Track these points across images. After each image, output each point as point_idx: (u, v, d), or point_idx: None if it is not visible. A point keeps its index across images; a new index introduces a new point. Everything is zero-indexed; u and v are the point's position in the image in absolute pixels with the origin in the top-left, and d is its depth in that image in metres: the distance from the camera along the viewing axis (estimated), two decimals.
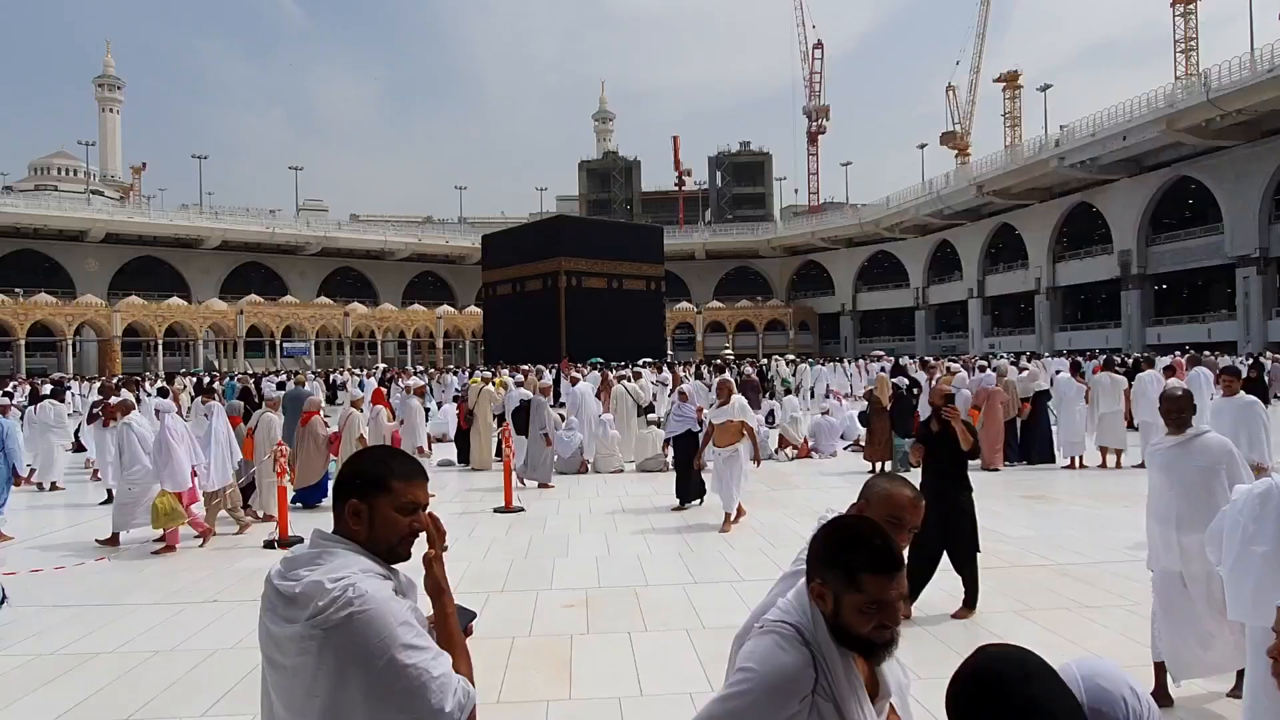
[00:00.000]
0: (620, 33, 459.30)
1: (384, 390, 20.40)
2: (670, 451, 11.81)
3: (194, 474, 8.63)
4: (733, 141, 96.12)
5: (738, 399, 9.10)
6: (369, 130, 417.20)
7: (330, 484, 9.95)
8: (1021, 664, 1.52)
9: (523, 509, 10.31)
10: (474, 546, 8.38)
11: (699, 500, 10.33)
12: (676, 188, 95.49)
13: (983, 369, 17.88)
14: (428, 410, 18.23)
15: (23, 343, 51.56)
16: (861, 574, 1.64)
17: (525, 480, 12.12)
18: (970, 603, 5.89)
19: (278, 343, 61.04)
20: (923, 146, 75.14)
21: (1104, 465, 12.86)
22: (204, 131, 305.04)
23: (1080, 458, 12.89)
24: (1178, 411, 4.37)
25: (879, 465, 12.82)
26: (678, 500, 10.26)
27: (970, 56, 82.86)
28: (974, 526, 6.04)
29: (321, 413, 11.08)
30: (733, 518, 9.02)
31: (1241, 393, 7.31)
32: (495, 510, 10.25)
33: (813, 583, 1.72)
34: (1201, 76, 42.68)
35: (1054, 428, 13.61)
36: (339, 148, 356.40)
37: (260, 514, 9.89)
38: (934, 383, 13.00)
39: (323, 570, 1.65)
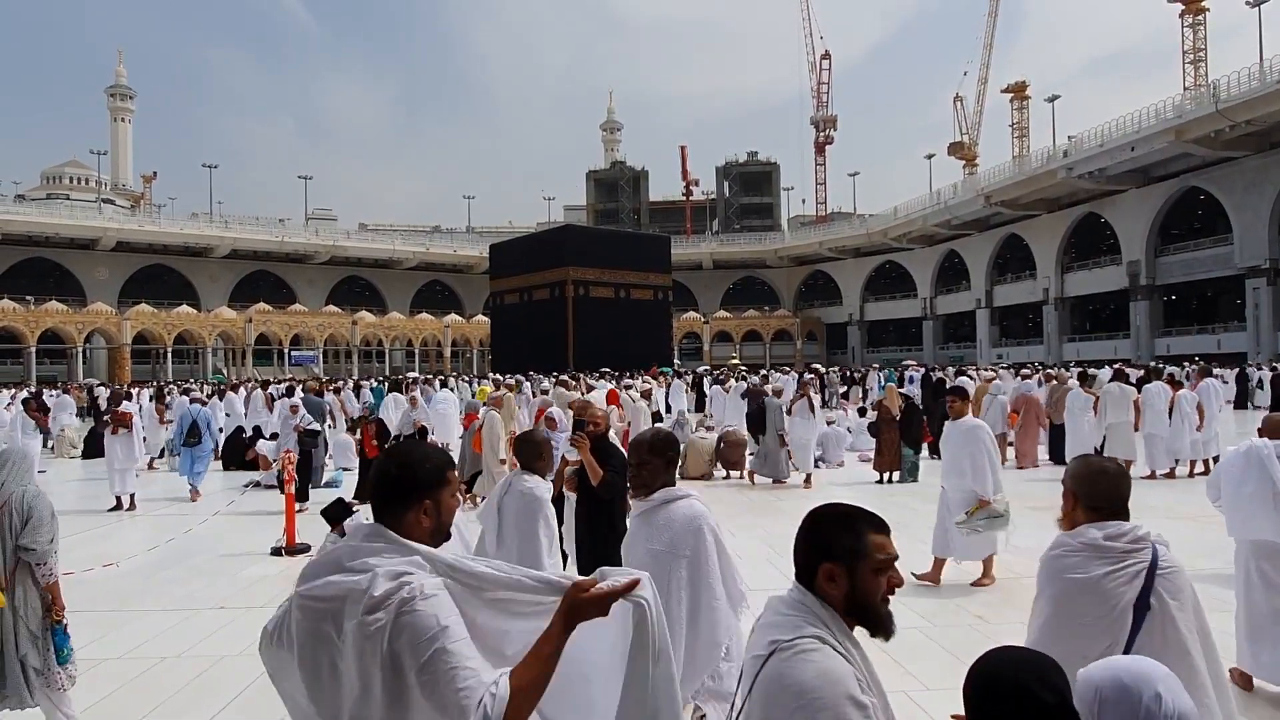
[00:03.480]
0: (629, 43, 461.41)
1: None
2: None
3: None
4: (740, 151, 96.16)
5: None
6: (378, 139, 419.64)
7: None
8: (1032, 665, 1.58)
9: None
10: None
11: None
12: (684, 197, 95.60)
13: (1027, 376, 18.09)
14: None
15: (33, 350, 51.85)
16: (867, 536, 1.76)
17: (756, 478, 12.86)
18: None
19: (286, 351, 61.26)
20: (930, 157, 75.32)
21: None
22: (214, 140, 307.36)
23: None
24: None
25: (887, 475, 12.80)
26: None
27: (978, 67, 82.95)
28: None
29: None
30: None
31: (969, 416, 7.00)
32: None
33: (820, 570, 1.76)
34: (1210, 87, 42.60)
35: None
36: (348, 157, 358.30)
37: (479, 500, 10.65)
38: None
39: (386, 565, 1.70)
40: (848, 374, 34.82)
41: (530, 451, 4.40)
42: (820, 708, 1.57)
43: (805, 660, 1.63)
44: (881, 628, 1.75)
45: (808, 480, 12.67)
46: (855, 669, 1.66)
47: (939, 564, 7.08)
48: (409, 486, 1.86)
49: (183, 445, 12.88)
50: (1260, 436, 4.76)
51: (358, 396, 24.92)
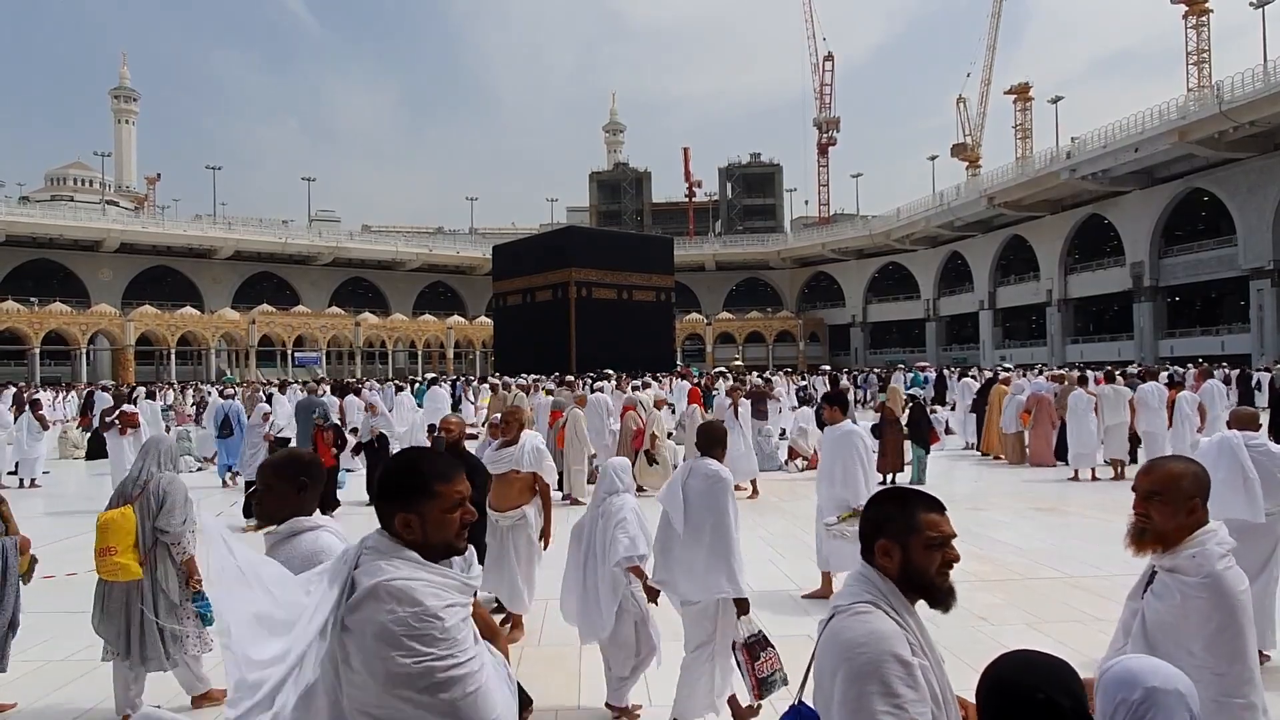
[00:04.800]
0: (633, 45, 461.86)
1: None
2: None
3: None
4: (743, 153, 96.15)
5: (530, 438, 5.96)
6: (382, 141, 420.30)
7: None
8: (1049, 670, 1.60)
9: None
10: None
11: None
12: (687, 199, 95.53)
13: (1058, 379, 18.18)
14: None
15: (37, 351, 51.97)
16: (919, 515, 1.89)
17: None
18: None
19: (289, 352, 61.34)
20: (933, 158, 75.26)
21: (1116, 476, 12.94)
22: (218, 142, 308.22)
23: (1093, 470, 12.99)
24: None
25: (890, 477, 12.78)
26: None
27: (981, 68, 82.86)
28: None
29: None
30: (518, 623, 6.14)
31: (846, 422, 6.82)
32: None
33: (876, 546, 1.90)
34: (1214, 88, 42.51)
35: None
36: (352, 158, 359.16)
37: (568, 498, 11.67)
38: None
39: (383, 573, 1.74)
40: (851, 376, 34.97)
41: (710, 439, 4.57)
42: (865, 660, 1.70)
43: (858, 619, 1.79)
44: (939, 600, 1.89)
45: (753, 489, 12.24)
46: (908, 633, 1.80)
47: (827, 578, 6.93)
48: (381, 494, 1.89)
49: (217, 438, 14.33)
50: (1229, 429, 5.40)
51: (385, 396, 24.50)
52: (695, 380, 25.73)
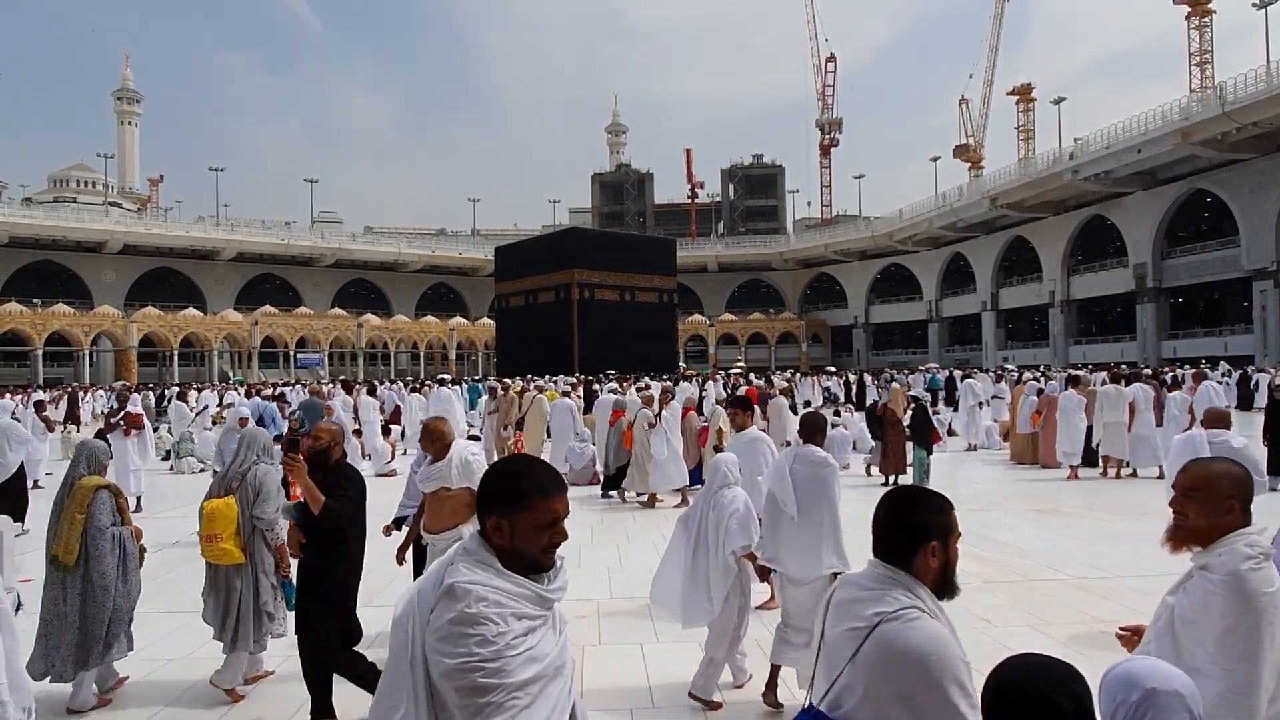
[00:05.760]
0: (635, 45, 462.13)
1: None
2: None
3: None
4: (745, 154, 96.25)
5: (459, 449, 4.90)
6: (384, 142, 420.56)
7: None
8: (1053, 673, 1.60)
9: None
10: None
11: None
12: (689, 200, 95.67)
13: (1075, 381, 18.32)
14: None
15: (40, 352, 52.07)
16: (952, 514, 2.01)
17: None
18: None
19: (292, 353, 61.41)
20: (936, 159, 75.26)
21: (1104, 475, 13.20)
22: (221, 144, 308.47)
23: (1074, 468, 13.28)
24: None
25: (892, 478, 12.78)
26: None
27: (983, 70, 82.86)
28: None
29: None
30: None
31: (751, 428, 6.56)
32: None
33: (925, 548, 1.95)
34: (1217, 89, 42.46)
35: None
36: (354, 159, 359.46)
37: (629, 495, 11.76)
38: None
39: (459, 574, 1.75)
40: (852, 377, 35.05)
41: (813, 428, 4.99)
42: (941, 668, 1.74)
43: (915, 627, 1.81)
44: (954, 591, 1.99)
45: (650, 500, 11.49)
46: (951, 631, 1.87)
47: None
48: (482, 497, 1.88)
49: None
50: (1204, 428, 6.46)
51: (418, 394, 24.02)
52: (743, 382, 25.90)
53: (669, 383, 19.44)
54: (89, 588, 4.65)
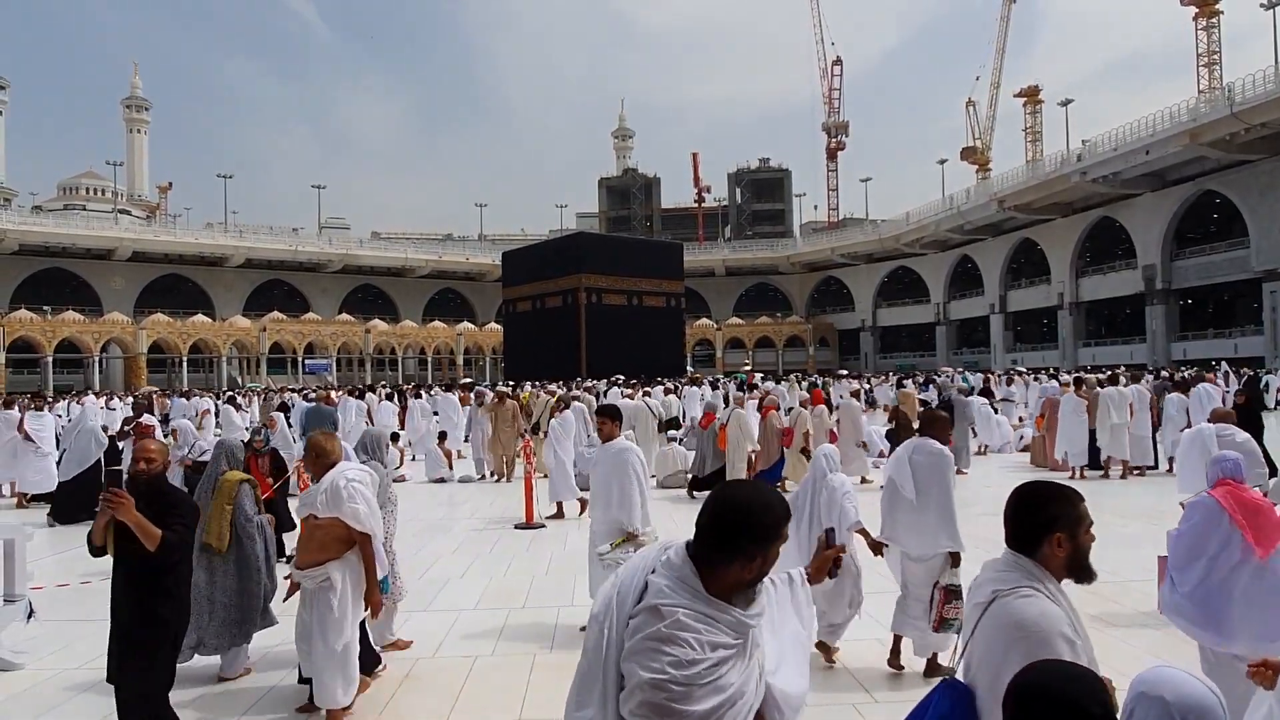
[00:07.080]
0: (642, 50, 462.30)
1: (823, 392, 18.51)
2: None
3: None
4: (752, 158, 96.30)
5: (335, 473, 4.38)
6: (392, 148, 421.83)
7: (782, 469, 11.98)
8: (1079, 679, 1.59)
9: (544, 525, 10.32)
10: (495, 563, 8.38)
11: None
12: (696, 204, 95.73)
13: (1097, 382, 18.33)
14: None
15: (50, 359, 52.35)
16: (1080, 505, 2.13)
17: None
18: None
19: (300, 359, 61.60)
20: (943, 162, 75.15)
21: (1105, 476, 13.24)
22: (229, 151, 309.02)
23: (1081, 469, 13.28)
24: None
25: None
26: None
27: (990, 72, 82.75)
28: None
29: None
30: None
31: (618, 439, 5.93)
32: (516, 526, 10.24)
33: (1050, 539, 2.09)
34: (1225, 90, 42.33)
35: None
36: (362, 166, 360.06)
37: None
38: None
39: (664, 596, 1.77)
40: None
41: (929, 422, 5.43)
42: (1039, 640, 1.90)
43: (1026, 602, 1.99)
44: (1090, 576, 2.11)
45: (559, 510, 11.07)
46: (1066, 614, 1.99)
47: None
48: (732, 534, 1.81)
49: (301, 437, 14.61)
50: (1211, 422, 6.74)
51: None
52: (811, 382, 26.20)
53: (563, 390, 18.90)
54: (244, 570, 5.15)
